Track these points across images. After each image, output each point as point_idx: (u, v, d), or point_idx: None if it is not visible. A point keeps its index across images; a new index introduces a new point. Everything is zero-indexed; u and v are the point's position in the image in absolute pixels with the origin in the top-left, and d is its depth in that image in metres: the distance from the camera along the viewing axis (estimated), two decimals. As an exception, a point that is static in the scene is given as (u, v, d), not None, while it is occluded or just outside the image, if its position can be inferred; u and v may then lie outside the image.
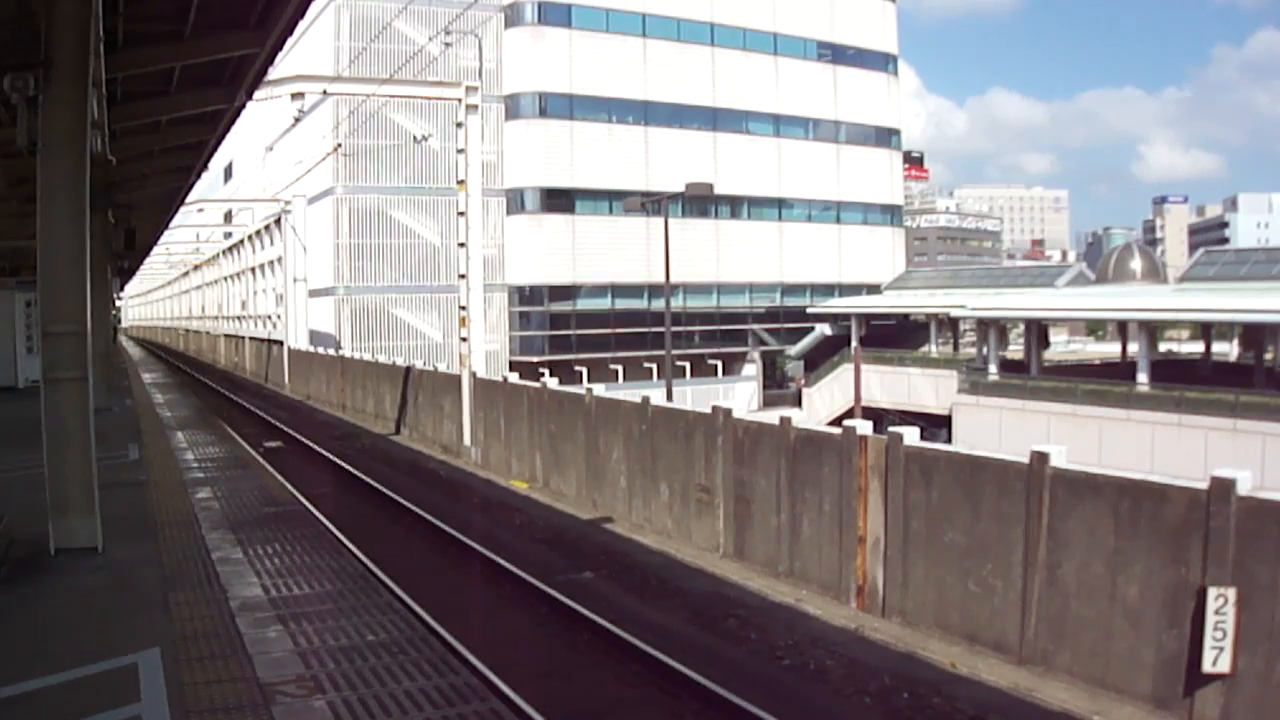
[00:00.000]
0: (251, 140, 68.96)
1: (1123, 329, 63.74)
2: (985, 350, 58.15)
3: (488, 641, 13.93)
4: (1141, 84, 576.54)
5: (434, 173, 63.88)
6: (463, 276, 35.60)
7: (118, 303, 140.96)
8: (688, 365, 71.11)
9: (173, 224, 55.12)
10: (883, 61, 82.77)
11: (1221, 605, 12.02)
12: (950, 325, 68.27)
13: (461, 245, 35.62)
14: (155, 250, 74.64)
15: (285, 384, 61.40)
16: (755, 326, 76.62)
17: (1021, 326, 61.92)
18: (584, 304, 70.00)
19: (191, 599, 10.84)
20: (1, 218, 29.73)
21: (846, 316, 71.34)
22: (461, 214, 35.37)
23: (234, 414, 43.67)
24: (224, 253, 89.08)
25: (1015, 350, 64.67)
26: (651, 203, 54.82)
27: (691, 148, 71.67)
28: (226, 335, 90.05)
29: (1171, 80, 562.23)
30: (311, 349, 59.83)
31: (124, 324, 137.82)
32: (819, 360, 71.43)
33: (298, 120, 39.19)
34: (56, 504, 12.30)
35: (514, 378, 33.07)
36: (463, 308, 35.71)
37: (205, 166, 31.43)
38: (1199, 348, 66.64)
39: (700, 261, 70.94)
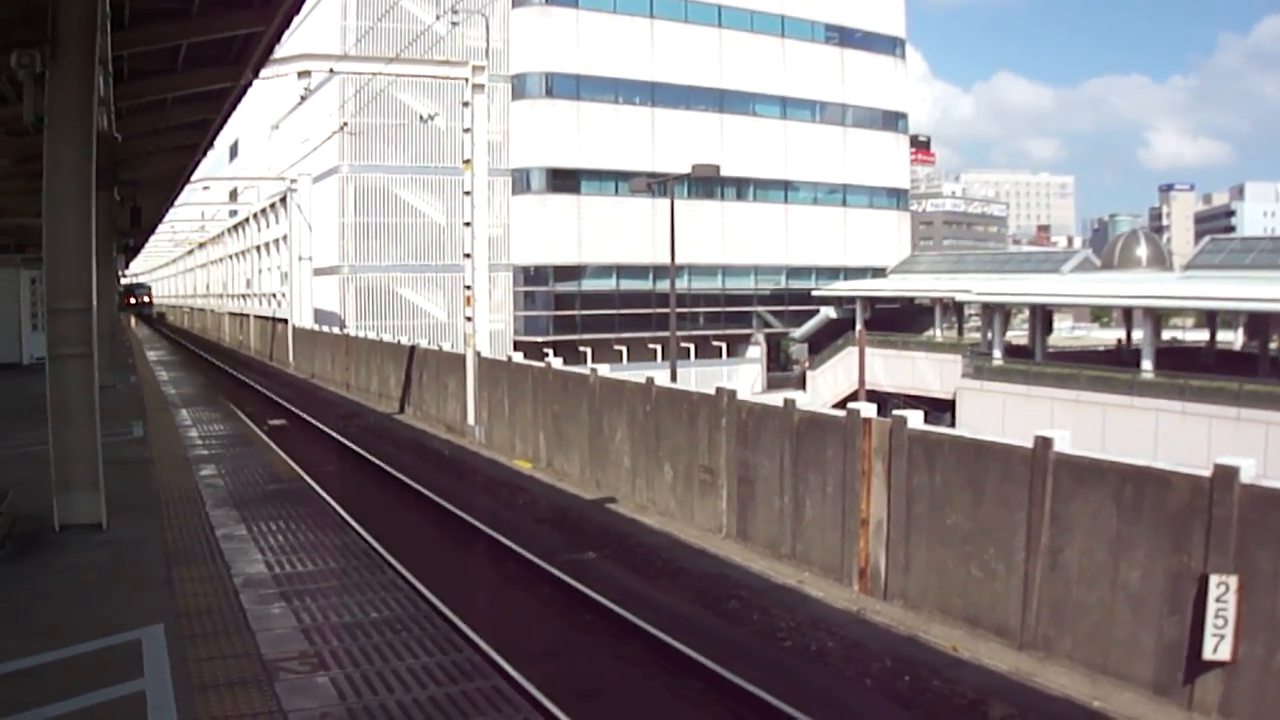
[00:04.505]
0: (257, 118, 68.90)
1: (1127, 316, 63.61)
2: (990, 335, 58.02)
3: (491, 620, 13.98)
4: (1148, 71, 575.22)
5: (440, 152, 63.77)
6: (468, 256, 35.59)
7: (147, 278, 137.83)
8: (692, 347, 71.17)
9: (178, 202, 55.07)
10: (890, 45, 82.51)
11: (1223, 593, 12.03)
12: (955, 310, 68.18)
13: (467, 225, 35.61)
14: (160, 228, 74.59)
15: (290, 362, 61.45)
16: (760, 309, 76.59)
17: (1026, 312, 61.83)
18: (589, 284, 70.02)
19: (195, 575, 10.85)
20: (7, 195, 29.74)
21: (851, 300, 71.29)
22: (467, 193, 35.36)
23: (238, 392, 43.72)
24: (229, 231, 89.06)
25: (1020, 335, 64.58)
26: (657, 184, 54.71)
27: (698, 129, 71.54)
28: (231, 313, 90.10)
29: (1178, 68, 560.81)
30: (316, 327, 59.90)
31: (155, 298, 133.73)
32: (823, 343, 71.37)
33: (304, 99, 39.18)
34: (61, 480, 12.32)
35: (518, 357, 33.08)
36: (468, 287, 35.70)
37: (211, 144, 31.38)
38: (1204, 336, 66.51)
39: (706, 243, 70.82)
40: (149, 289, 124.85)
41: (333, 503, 19.17)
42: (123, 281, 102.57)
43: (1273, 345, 54.31)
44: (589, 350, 64.92)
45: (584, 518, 22.60)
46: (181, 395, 31.81)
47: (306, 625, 9.34)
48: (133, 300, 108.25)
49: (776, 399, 20.74)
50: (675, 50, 71.22)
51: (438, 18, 48.67)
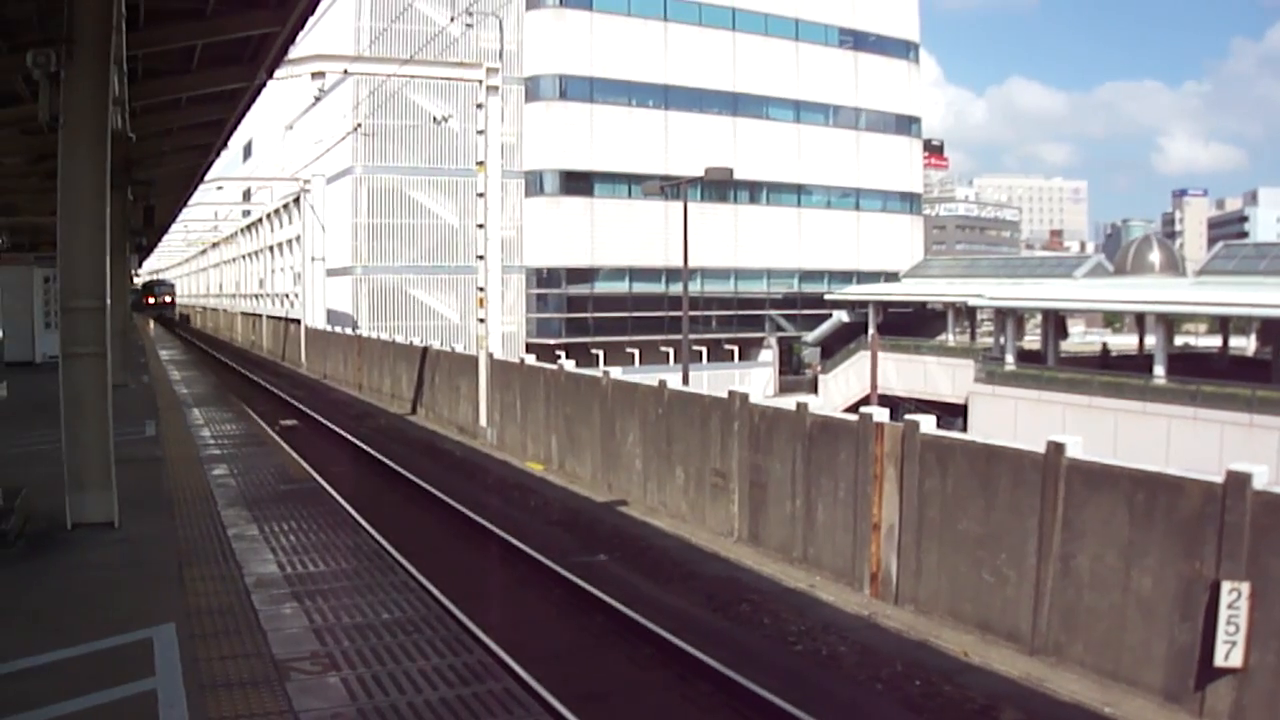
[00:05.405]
0: (271, 118, 68.98)
1: (1140, 321, 63.45)
2: (1002, 340, 57.96)
3: (502, 622, 13.98)
4: (1161, 76, 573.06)
5: (453, 154, 63.93)
6: (481, 258, 35.62)
7: (168, 274, 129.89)
8: (704, 350, 71.11)
9: (191, 201, 55.20)
10: (904, 49, 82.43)
11: (1235, 599, 11.99)
12: (968, 314, 68.05)
13: (480, 226, 35.64)
14: (173, 227, 74.75)
15: (302, 363, 61.56)
16: (772, 312, 76.56)
17: (1039, 317, 61.75)
18: (601, 287, 70.05)
19: (207, 575, 10.89)
20: (22, 194, 29.82)
21: (864, 304, 71.17)
22: (480, 195, 35.39)
23: (251, 392, 43.78)
24: (242, 231, 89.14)
25: (1032, 341, 64.48)
26: (670, 187, 54.77)
27: (711, 132, 71.54)
28: (244, 313, 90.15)
29: (1191, 73, 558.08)
30: (329, 328, 60.01)
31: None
32: (835, 347, 71.30)
33: (318, 99, 39.22)
34: (74, 479, 12.37)
35: (530, 359, 33.09)
36: (480, 289, 35.74)
37: (225, 144, 31.45)
38: (1216, 341, 66.37)
39: (718, 246, 70.86)
40: (171, 287, 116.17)
41: (344, 503, 19.17)
42: (140, 279, 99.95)
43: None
44: (601, 353, 64.89)
45: (595, 520, 22.59)
46: (194, 395, 31.90)
47: (318, 625, 9.37)
48: (152, 300, 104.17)
49: (789, 402, 20.72)
50: (689, 53, 71.23)
51: (452, 19, 48.71)
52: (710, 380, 45.49)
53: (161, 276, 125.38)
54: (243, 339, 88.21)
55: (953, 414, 52.47)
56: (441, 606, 12.85)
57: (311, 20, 18.53)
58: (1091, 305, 66.61)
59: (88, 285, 12.30)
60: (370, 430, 34.91)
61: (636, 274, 70.13)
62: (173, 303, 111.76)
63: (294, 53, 24.42)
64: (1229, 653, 12.07)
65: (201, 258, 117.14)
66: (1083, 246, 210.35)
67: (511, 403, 32.60)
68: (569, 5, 68.11)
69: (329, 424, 34.59)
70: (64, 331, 12.49)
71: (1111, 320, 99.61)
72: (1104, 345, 67.60)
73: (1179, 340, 66.65)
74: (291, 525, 13.36)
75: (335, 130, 56.12)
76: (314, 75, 34.78)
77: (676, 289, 59.51)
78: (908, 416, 17.33)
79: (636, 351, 68.58)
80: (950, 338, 67.07)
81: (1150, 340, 54.68)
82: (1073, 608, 14.15)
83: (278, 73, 22.26)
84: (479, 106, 35.36)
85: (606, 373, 27.14)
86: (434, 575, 15.52)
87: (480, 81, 35.34)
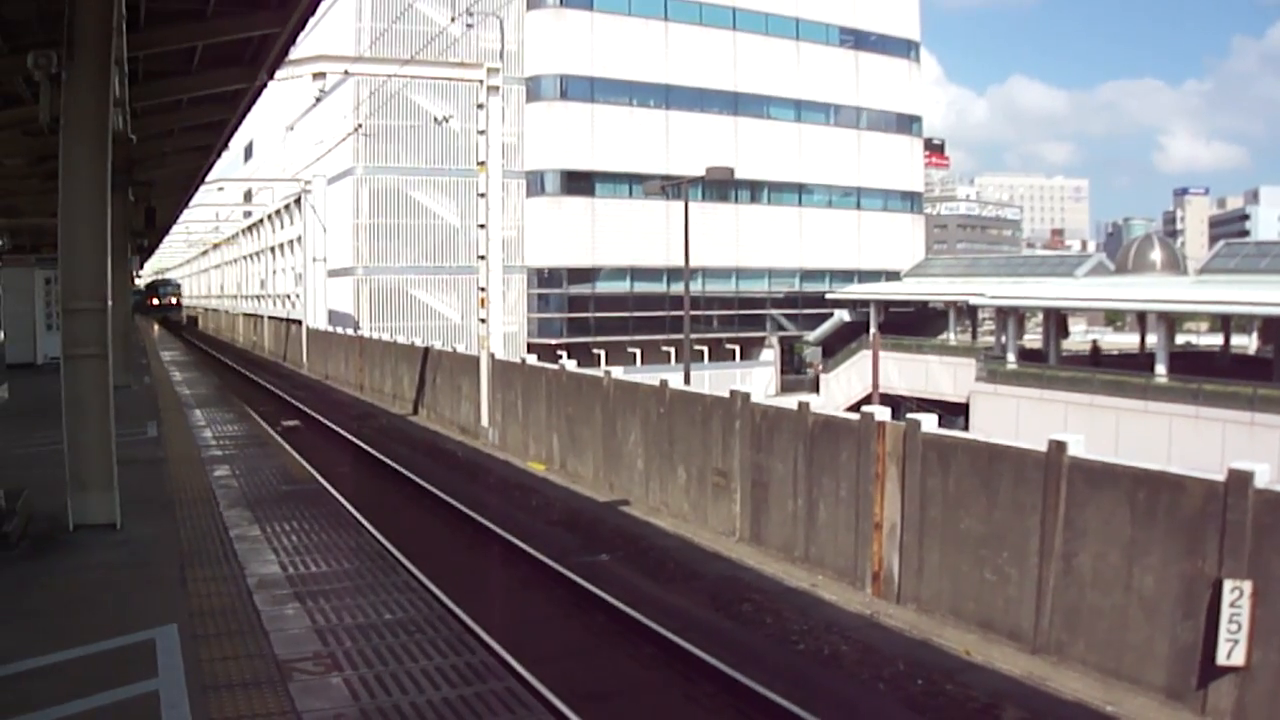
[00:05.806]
0: (272, 119, 69.00)
1: (1142, 320, 63.39)
2: (1004, 339, 57.90)
3: (504, 622, 14.00)
4: (1161, 75, 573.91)
5: (454, 154, 63.86)
6: (482, 258, 35.60)
7: (175, 275, 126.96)
8: (706, 350, 70.97)
9: (192, 203, 55.17)
10: (905, 48, 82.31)
11: (1237, 598, 11.99)
12: (969, 313, 67.94)
13: (481, 227, 35.61)
14: (174, 228, 74.70)
15: (304, 363, 61.55)
16: (774, 311, 76.48)
17: (1040, 316, 61.72)
18: (602, 287, 69.98)
19: (209, 576, 10.88)
20: (23, 195, 29.80)
21: (865, 303, 71.16)
22: (481, 195, 35.36)
23: (252, 393, 43.78)
24: (243, 232, 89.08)
25: (1034, 340, 64.43)
26: (671, 186, 54.72)
27: (712, 132, 71.43)
28: (245, 314, 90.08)
29: (1191, 72, 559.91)
30: (330, 329, 60.01)
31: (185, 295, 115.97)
32: (837, 346, 71.22)
33: (319, 100, 39.28)
34: (75, 480, 12.36)
35: (532, 359, 33.08)
36: (482, 289, 35.72)
37: (226, 145, 31.40)
38: (1218, 340, 66.30)
39: (719, 246, 70.76)
40: (177, 287, 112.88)
41: (346, 504, 19.17)
42: (144, 280, 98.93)
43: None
44: (602, 352, 64.85)
45: (597, 520, 22.59)
46: (195, 396, 31.89)
47: (320, 626, 9.36)
48: (156, 301, 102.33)
49: (790, 402, 20.73)
50: (690, 53, 71.15)
51: (453, 20, 48.70)
52: (712, 380, 45.37)
53: (166, 277, 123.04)
54: (244, 340, 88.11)
55: (955, 413, 52.41)
56: (444, 607, 12.85)
57: (312, 21, 18.53)
58: (1093, 304, 66.59)
59: (89, 287, 12.29)
60: (372, 431, 34.91)
61: (638, 274, 70.06)
62: (179, 303, 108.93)
63: (295, 54, 24.43)
64: (1231, 651, 12.07)
65: (202, 259, 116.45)
66: (1084, 245, 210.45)
67: (513, 403, 32.60)
68: (569, 5, 68.02)
69: (331, 424, 34.60)
70: (65, 333, 12.48)
71: (1113, 319, 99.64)
72: (1094, 343, 67.41)
73: (1180, 339, 66.62)
74: (293, 526, 13.36)
75: (336, 131, 56.15)
76: (315, 76, 34.83)
77: (678, 288, 59.44)
78: (909, 415, 17.34)
79: (638, 351, 68.54)
80: (952, 337, 66.99)
81: (1152, 339, 54.64)
82: (1075, 606, 14.15)
83: (278, 74, 22.23)
84: (480, 107, 35.33)
85: (608, 372, 27.14)
86: (436, 575, 15.52)
87: (481, 82, 35.31)
